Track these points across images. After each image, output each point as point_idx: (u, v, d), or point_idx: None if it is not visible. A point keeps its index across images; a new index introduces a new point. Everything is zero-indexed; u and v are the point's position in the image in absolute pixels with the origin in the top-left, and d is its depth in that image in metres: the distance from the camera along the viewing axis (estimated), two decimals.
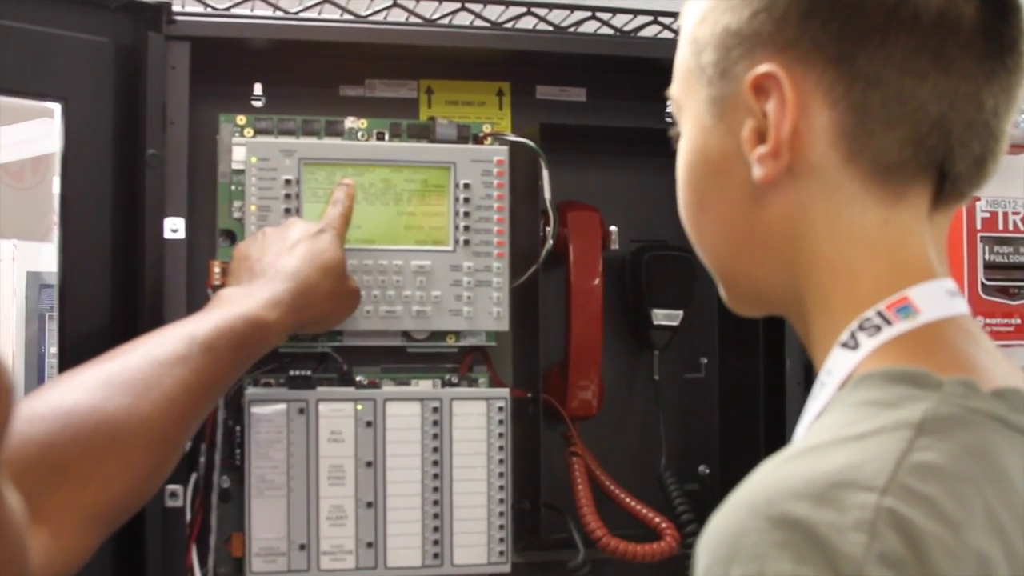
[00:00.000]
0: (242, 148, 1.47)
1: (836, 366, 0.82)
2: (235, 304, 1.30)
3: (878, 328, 0.81)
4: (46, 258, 3.10)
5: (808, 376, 1.58)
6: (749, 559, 0.67)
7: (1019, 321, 2.51)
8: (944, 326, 0.81)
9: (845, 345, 0.81)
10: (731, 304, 0.94)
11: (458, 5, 1.54)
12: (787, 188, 0.83)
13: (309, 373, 1.49)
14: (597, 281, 1.58)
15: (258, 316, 1.29)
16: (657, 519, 1.57)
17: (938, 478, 0.69)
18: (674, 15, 1.61)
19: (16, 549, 0.60)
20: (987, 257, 2.40)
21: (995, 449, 0.73)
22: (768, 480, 0.71)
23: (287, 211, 1.46)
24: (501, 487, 1.52)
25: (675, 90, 0.92)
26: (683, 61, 0.90)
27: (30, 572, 0.60)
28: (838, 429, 0.74)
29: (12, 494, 0.60)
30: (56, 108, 1.36)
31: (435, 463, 1.50)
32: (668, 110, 1.57)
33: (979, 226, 2.13)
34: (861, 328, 0.81)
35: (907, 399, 0.75)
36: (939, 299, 0.82)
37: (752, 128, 0.83)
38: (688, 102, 0.90)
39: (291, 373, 1.49)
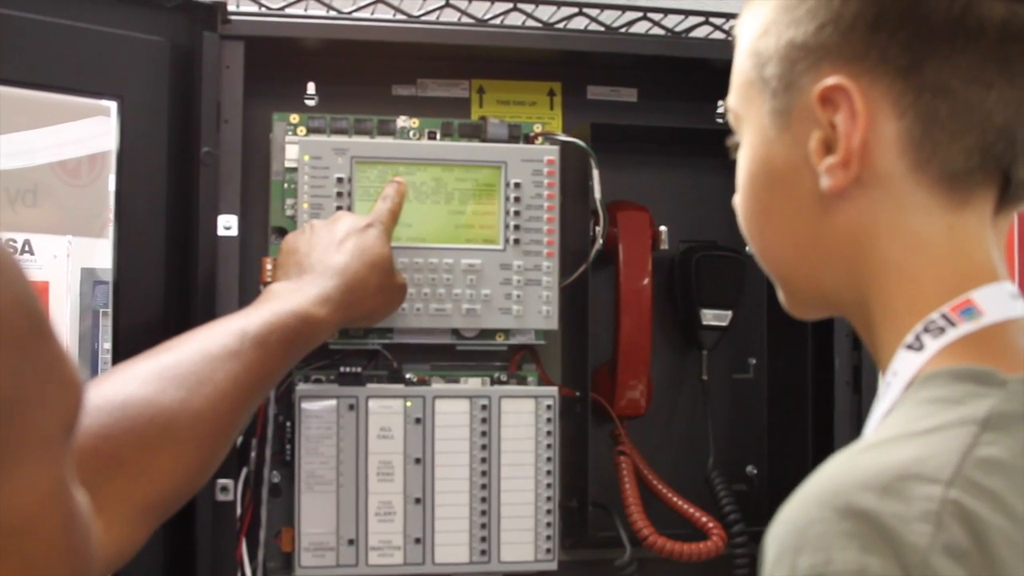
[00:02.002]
0: (295, 146, 1.48)
1: (902, 367, 0.82)
2: (285, 299, 1.31)
3: (942, 330, 0.81)
4: (100, 254, 3.13)
5: (856, 377, 1.58)
6: (816, 549, 0.68)
7: None
8: (1007, 327, 0.82)
9: (910, 347, 0.82)
10: (791, 309, 0.95)
11: (510, 5, 1.55)
12: (855, 197, 0.84)
13: (359, 370, 1.50)
14: (646, 281, 1.59)
15: (308, 312, 1.30)
16: (704, 519, 1.57)
17: (1002, 472, 0.70)
18: (725, 16, 1.61)
19: (83, 545, 0.62)
20: None
21: None
22: (835, 472, 0.72)
23: (339, 209, 1.47)
24: (549, 485, 1.52)
25: (733, 101, 0.93)
26: (743, 73, 0.91)
27: (95, 566, 0.62)
28: (905, 425, 0.76)
29: (79, 490, 0.62)
30: (112, 106, 1.38)
31: (483, 460, 1.51)
32: (719, 111, 1.59)
33: None
34: (926, 330, 0.82)
35: (972, 396, 0.76)
36: (1002, 301, 0.83)
37: (820, 139, 0.84)
38: (749, 113, 0.90)
39: (341, 370, 1.50)
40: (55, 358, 0.60)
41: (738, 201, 0.93)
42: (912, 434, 0.74)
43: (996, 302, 0.82)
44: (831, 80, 0.83)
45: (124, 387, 1.11)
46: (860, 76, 0.82)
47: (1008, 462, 0.71)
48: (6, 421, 0.55)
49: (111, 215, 1.40)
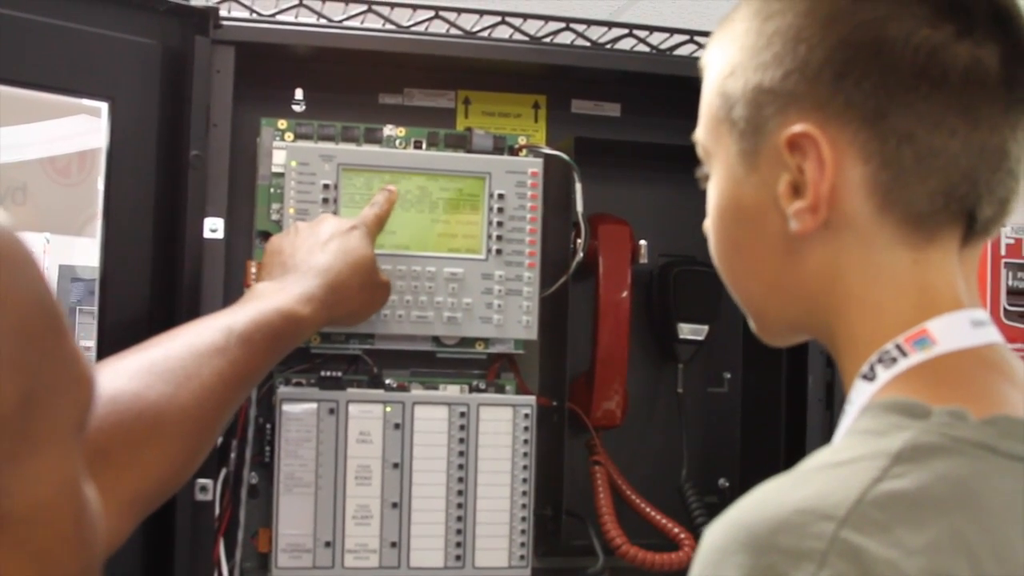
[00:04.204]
0: (282, 152, 1.50)
1: (856, 396, 0.86)
2: (270, 298, 1.33)
3: (894, 360, 0.84)
4: (79, 252, 3.13)
5: (829, 394, 1.60)
6: (713, 574, 0.73)
7: None
8: (961, 356, 0.84)
9: (865, 376, 0.85)
10: (761, 336, 0.98)
11: (498, 19, 1.57)
12: (822, 238, 0.86)
13: (340, 374, 1.52)
14: (625, 294, 1.61)
15: (292, 310, 1.32)
16: (676, 529, 1.59)
17: (902, 505, 0.73)
18: (708, 34, 1.63)
19: (92, 536, 0.63)
20: (1010, 283, 2.41)
21: (976, 475, 0.76)
22: (751, 502, 0.76)
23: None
24: (524, 492, 1.54)
25: (702, 136, 0.95)
26: (712, 111, 0.93)
27: (101, 558, 0.64)
28: (829, 455, 0.79)
29: (89, 484, 0.63)
30: (104, 107, 1.39)
31: (460, 467, 1.52)
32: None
33: (1003, 252, 2.15)
34: (880, 360, 0.85)
35: (895, 428, 0.78)
36: (960, 330, 0.85)
37: (788, 182, 0.86)
38: (718, 150, 0.93)
39: (322, 374, 1.52)
40: (69, 355, 0.62)
41: (709, 233, 0.95)
42: (829, 465, 0.77)
43: (952, 331, 0.84)
44: (799, 127, 0.85)
45: (113, 382, 1.12)
46: (827, 122, 0.84)
47: (912, 494, 0.74)
48: (25, 414, 0.57)
49: (99, 213, 1.41)
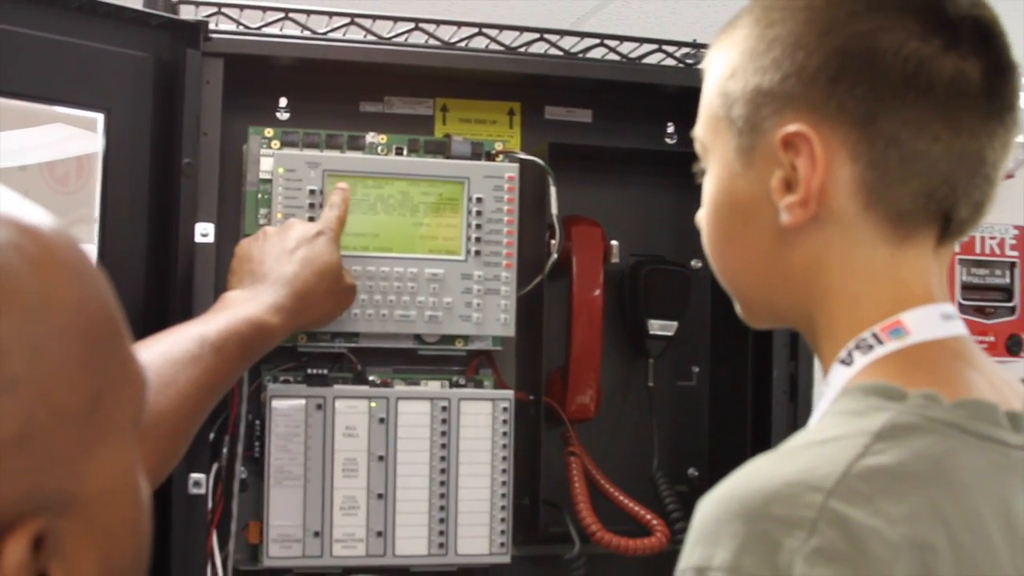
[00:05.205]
0: (270, 159, 1.55)
1: (834, 379, 0.92)
2: (241, 307, 1.40)
3: (871, 347, 0.91)
4: None
5: (793, 386, 1.66)
6: (707, 544, 0.80)
7: (993, 339, 2.60)
8: (931, 346, 0.91)
9: (843, 361, 0.92)
10: (747, 319, 1.04)
11: (475, 30, 1.63)
12: (810, 231, 0.93)
13: (326, 372, 1.58)
14: (598, 292, 1.67)
15: (262, 320, 1.39)
16: (648, 516, 1.64)
17: (884, 478, 0.80)
18: (678, 44, 1.70)
19: (147, 521, 0.70)
20: (964, 278, 2.49)
21: (949, 453, 0.84)
22: (743, 475, 0.83)
23: (311, 219, 1.54)
24: (503, 483, 1.60)
25: (701, 132, 1.01)
26: (711, 109, 0.99)
27: (150, 542, 0.71)
28: (813, 434, 0.86)
29: (144, 476, 0.70)
30: (99, 118, 1.44)
31: (442, 459, 1.58)
32: (669, 132, 1.68)
33: (957, 249, 2.22)
34: (857, 347, 0.91)
35: (874, 409, 0.85)
36: (931, 322, 0.92)
37: (781, 178, 0.92)
38: (715, 146, 0.98)
39: (309, 371, 1.58)
40: (128, 357, 0.68)
41: (703, 224, 1.01)
42: (815, 443, 0.84)
43: (924, 323, 0.91)
44: (793, 127, 0.91)
45: None
46: (820, 124, 0.90)
47: (892, 468, 0.81)
48: (95, 409, 0.64)
49: (93, 217, 1.46)
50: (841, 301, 0.93)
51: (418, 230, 1.59)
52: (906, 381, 0.87)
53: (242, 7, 1.57)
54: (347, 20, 1.59)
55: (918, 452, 0.83)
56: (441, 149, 1.62)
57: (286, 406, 1.54)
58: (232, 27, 1.56)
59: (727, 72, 0.97)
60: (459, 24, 1.63)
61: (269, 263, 1.46)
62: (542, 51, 1.67)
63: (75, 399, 0.63)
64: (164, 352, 1.30)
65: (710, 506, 0.82)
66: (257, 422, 1.55)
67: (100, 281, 0.67)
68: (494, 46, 1.65)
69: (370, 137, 1.60)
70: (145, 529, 0.70)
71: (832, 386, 0.92)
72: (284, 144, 1.57)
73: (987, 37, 0.91)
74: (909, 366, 0.89)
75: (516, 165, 1.63)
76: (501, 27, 1.64)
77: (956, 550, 0.80)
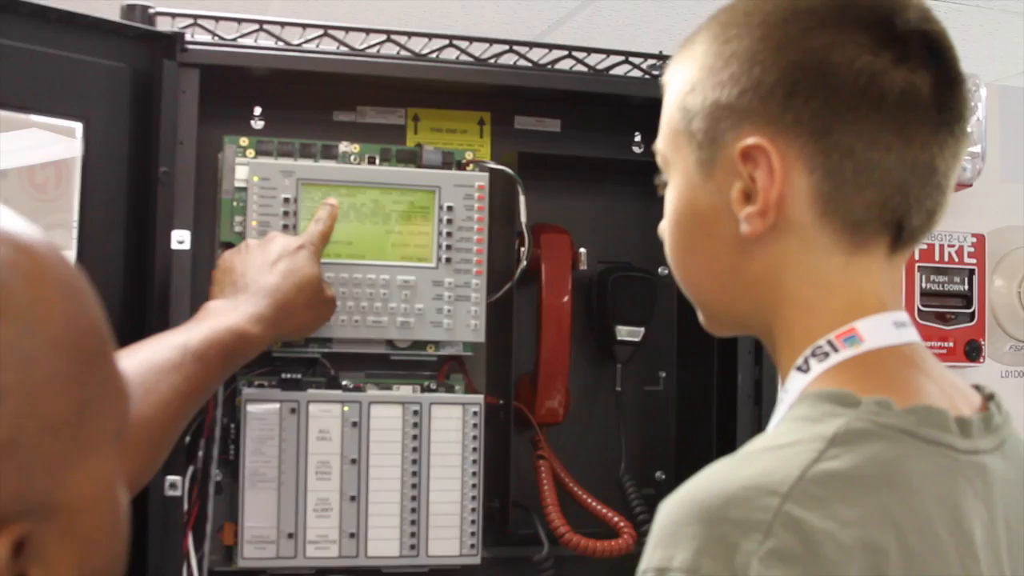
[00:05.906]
0: (245, 168, 1.58)
1: (791, 386, 0.95)
2: (222, 317, 1.42)
3: (826, 354, 0.94)
4: None
5: (758, 390, 1.69)
6: (667, 546, 0.83)
7: (952, 344, 2.65)
8: (885, 353, 0.94)
9: (799, 368, 0.95)
10: (709, 328, 1.06)
11: (446, 42, 1.66)
12: (769, 241, 0.95)
13: (300, 376, 1.60)
14: (566, 299, 1.69)
15: (243, 329, 1.42)
16: (616, 518, 1.67)
17: (837, 482, 0.84)
18: (643, 55, 1.73)
19: (125, 530, 0.73)
20: (924, 285, 2.53)
21: (900, 457, 0.87)
22: (703, 479, 0.86)
23: (285, 227, 1.57)
24: (474, 486, 1.63)
25: (663, 145, 1.03)
26: (672, 123, 1.01)
27: (126, 549, 0.74)
28: (770, 440, 0.89)
29: (123, 486, 0.74)
30: (78, 127, 1.47)
31: (414, 462, 1.61)
32: (636, 142, 1.71)
33: (917, 257, 2.25)
34: (813, 354, 0.94)
35: (828, 415, 0.88)
36: (885, 329, 0.95)
37: (740, 189, 0.95)
38: (676, 159, 1.01)
39: (283, 376, 1.60)
40: (113, 372, 0.72)
41: (665, 236, 1.04)
42: (771, 448, 0.87)
43: (877, 331, 0.94)
44: (752, 140, 0.93)
45: None
46: (777, 136, 0.93)
47: (845, 473, 0.84)
48: (80, 421, 0.67)
49: (70, 223, 1.48)
50: (797, 309, 0.96)
51: (390, 238, 1.62)
52: (859, 388, 0.90)
53: (217, 19, 1.59)
54: (320, 32, 1.62)
55: (870, 457, 0.86)
56: (412, 158, 1.65)
57: (261, 410, 1.56)
58: (208, 38, 1.58)
59: (687, 87, 0.99)
60: (430, 36, 1.66)
61: (251, 274, 1.48)
62: (512, 62, 1.70)
63: (62, 410, 0.66)
64: (146, 360, 1.33)
65: (670, 509, 0.84)
66: (232, 426, 1.58)
67: (90, 298, 0.70)
68: (464, 57, 1.68)
69: (343, 146, 1.63)
70: (123, 536, 0.73)
71: (789, 392, 0.95)
72: (259, 153, 1.60)
73: (936, 50, 0.94)
74: (863, 373, 0.92)
75: (486, 174, 1.65)
76: (472, 39, 1.67)
77: (906, 552, 0.83)
